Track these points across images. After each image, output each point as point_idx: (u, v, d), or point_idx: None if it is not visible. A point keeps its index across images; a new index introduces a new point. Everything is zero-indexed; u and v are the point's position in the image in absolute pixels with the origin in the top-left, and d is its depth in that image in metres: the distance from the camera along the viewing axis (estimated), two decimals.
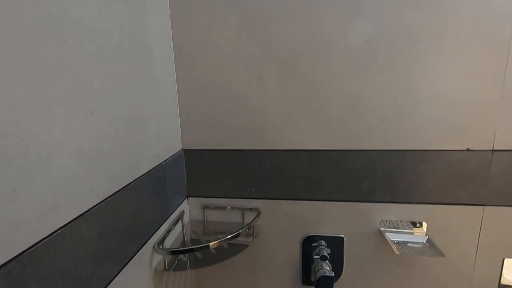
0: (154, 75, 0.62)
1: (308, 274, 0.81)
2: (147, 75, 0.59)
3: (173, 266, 0.65)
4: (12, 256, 0.31)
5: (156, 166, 0.63)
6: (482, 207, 0.70)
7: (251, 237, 0.77)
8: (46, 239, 0.35)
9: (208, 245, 0.61)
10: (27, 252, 0.32)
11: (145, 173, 0.58)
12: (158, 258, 0.64)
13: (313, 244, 0.80)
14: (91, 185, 0.43)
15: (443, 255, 0.64)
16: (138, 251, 0.56)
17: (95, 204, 0.44)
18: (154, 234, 0.62)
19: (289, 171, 0.75)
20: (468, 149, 0.68)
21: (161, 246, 0.62)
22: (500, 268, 0.73)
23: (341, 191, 0.74)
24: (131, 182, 0.53)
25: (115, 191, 0.48)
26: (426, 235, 0.72)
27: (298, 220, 0.78)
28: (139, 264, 0.56)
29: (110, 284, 0.47)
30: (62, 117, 0.38)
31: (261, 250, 0.81)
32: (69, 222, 0.38)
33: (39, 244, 0.34)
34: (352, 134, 0.71)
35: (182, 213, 0.77)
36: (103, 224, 0.45)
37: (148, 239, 0.59)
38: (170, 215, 0.70)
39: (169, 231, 0.68)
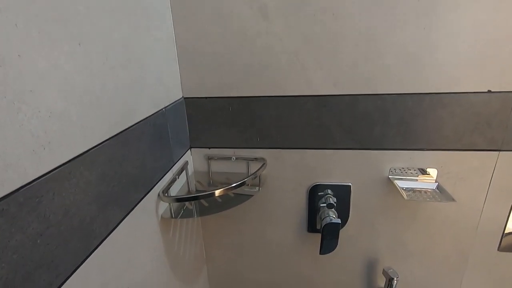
0: (146, 5, 0.56)
1: (314, 223, 0.82)
2: (138, 4, 0.53)
3: (180, 214, 0.64)
4: (4, 194, 0.28)
5: (156, 112, 0.59)
6: (497, 152, 0.67)
7: (257, 187, 0.76)
8: (42, 178, 0.32)
9: (214, 193, 0.59)
10: (21, 190, 0.30)
11: (144, 119, 0.55)
12: (164, 206, 0.63)
13: (319, 193, 0.79)
14: (85, 125, 0.39)
15: (453, 200, 0.63)
16: (143, 198, 0.54)
17: (92, 146, 0.41)
18: (159, 183, 0.60)
19: (296, 118, 0.71)
20: (489, 91, 0.63)
21: (166, 194, 0.61)
22: (508, 214, 0.73)
23: (351, 139, 0.71)
24: (130, 127, 0.50)
25: (113, 134, 0.45)
26: (436, 181, 0.71)
27: (305, 170, 0.76)
28: (145, 211, 0.55)
29: (117, 228, 0.46)
30: (44, 44, 0.33)
31: (267, 199, 0.81)
32: (65, 163, 0.36)
33: (34, 183, 0.31)
34: (365, 77, 0.66)
35: (186, 163, 0.75)
36: (104, 168, 0.43)
37: (153, 187, 0.58)
38: (174, 165, 0.68)
39: (173, 180, 0.67)
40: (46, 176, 0.33)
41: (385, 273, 0.79)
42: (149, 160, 0.56)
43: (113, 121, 0.45)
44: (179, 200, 0.59)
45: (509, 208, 0.72)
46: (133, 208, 0.51)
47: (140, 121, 0.53)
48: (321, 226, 0.73)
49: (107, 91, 0.44)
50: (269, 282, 0.93)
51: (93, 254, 0.41)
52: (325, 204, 0.76)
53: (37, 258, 0.32)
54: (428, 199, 0.65)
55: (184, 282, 0.76)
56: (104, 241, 0.43)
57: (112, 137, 0.45)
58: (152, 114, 0.58)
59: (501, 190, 0.70)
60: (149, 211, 0.57)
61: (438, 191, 0.69)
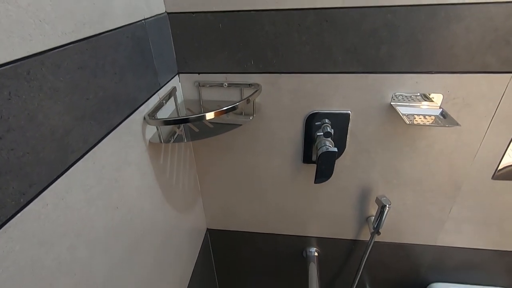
0: None
1: (310, 153, 0.80)
2: None
3: (169, 140, 0.61)
4: None
5: (134, 23, 0.52)
6: (509, 75, 0.62)
7: (251, 116, 0.71)
8: None
9: (204, 115, 0.55)
10: None
11: (119, 28, 0.47)
12: (151, 131, 0.59)
13: (316, 123, 0.75)
14: (43, 18, 0.33)
15: (458, 124, 0.60)
16: (127, 118, 0.50)
17: (54, 46, 0.34)
18: (144, 105, 0.56)
19: (294, 37, 0.64)
20: None
21: (153, 118, 0.56)
22: (508, 142, 0.71)
23: (355, 60, 0.65)
24: (102, 33, 0.43)
25: (80, 37, 0.39)
26: (440, 108, 0.67)
27: (302, 96, 0.71)
28: (130, 132, 0.51)
29: (99, 145, 0.42)
30: None
31: (261, 128, 0.77)
32: (19, 60, 0.30)
33: None
34: None
35: (174, 89, 0.69)
36: (74, 75, 0.37)
37: (137, 108, 0.53)
38: (160, 89, 0.63)
39: (160, 106, 0.62)
40: None
41: (378, 201, 0.81)
42: (130, 76, 0.50)
43: (79, 21, 0.38)
44: (167, 122, 0.55)
45: (510, 138, 0.70)
46: (116, 127, 0.47)
47: (115, 29, 0.46)
48: (317, 156, 0.71)
49: None
50: (264, 213, 0.95)
51: (73, 168, 0.38)
52: (322, 134, 0.73)
53: (0, 162, 0.28)
54: (430, 124, 0.62)
55: (180, 212, 0.77)
56: (85, 156, 0.40)
57: (80, 40, 0.38)
58: (129, 24, 0.50)
59: (506, 118, 0.67)
60: (135, 133, 0.53)
61: (441, 116, 0.65)
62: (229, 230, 1.02)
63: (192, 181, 0.85)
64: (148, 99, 0.57)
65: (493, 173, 0.75)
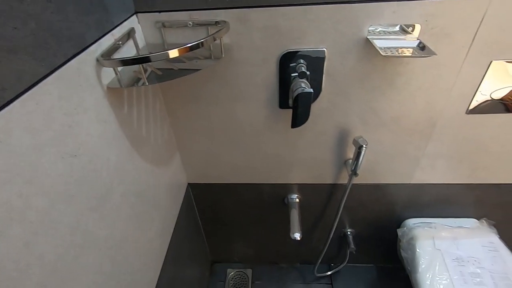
0: None
1: (286, 98, 0.77)
2: None
3: (131, 84, 0.56)
4: None
5: None
6: None
7: (220, 58, 0.66)
8: None
9: (167, 53, 0.50)
10: None
11: None
12: (109, 75, 0.54)
13: (291, 64, 0.71)
14: None
15: (435, 53, 0.58)
16: (74, 57, 0.44)
17: None
18: (95, 45, 0.50)
19: None
20: None
21: (107, 59, 0.51)
22: (484, 74, 0.70)
23: None
24: None
25: None
26: (418, 39, 0.64)
27: (274, 34, 0.66)
28: (80, 74, 0.46)
29: (39, 85, 0.38)
30: None
31: (233, 72, 0.73)
32: None
33: None
34: None
35: (133, 31, 0.62)
36: None
37: (86, 48, 0.47)
38: (114, 28, 0.56)
39: (116, 47, 0.56)
40: None
41: (355, 142, 0.80)
42: (71, 9, 0.44)
43: None
44: (124, 62, 0.49)
45: (486, 68, 0.69)
46: (60, 67, 0.41)
47: None
48: (292, 99, 0.68)
49: None
50: (245, 164, 0.94)
51: (9, 107, 0.33)
52: (296, 74, 0.70)
53: None
54: (406, 55, 0.60)
55: (155, 165, 0.74)
56: (23, 96, 0.35)
57: None
58: None
59: (483, 46, 0.65)
60: (88, 76, 0.48)
61: (419, 48, 0.63)
62: (211, 183, 1.02)
63: (166, 134, 0.81)
64: (100, 38, 0.51)
65: (467, 107, 0.76)
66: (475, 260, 0.88)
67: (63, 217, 0.42)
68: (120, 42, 0.57)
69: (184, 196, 0.98)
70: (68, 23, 0.43)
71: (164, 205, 0.81)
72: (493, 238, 0.94)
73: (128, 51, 0.61)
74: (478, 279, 0.84)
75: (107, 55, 0.52)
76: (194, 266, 1.13)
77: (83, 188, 0.46)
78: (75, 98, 0.45)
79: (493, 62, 0.68)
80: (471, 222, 1.01)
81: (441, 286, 0.83)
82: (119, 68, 0.56)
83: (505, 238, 0.95)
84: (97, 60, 0.50)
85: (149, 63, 0.61)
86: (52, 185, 0.40)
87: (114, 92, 0.55)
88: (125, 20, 0.60)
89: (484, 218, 1.01)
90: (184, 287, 0.99)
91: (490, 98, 0.74)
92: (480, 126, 0.79)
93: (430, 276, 0.86)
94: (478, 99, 0.74)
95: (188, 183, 1.02)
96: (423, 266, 0.89)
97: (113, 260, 0.55)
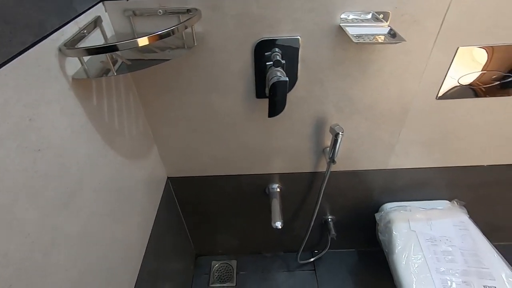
0: None
1: (263, 87, 0.77)
2: None
3: (99, 74, 0.54)
4: None
5: None
6: None
7: (192, 47, 0.64)
8: None
9: (136, 41, 0.48)
10: None
11: None
12: (75, 66, 0.52)
13: (266, 53, 0.71)
14: None
15: (404, 40, 0.59)
16: (32, 46, 0.42)
17: None
18: (56, 34, 0.47)
19: None
20: None
21: (71, 48, 0.48)
22: (451, 60, 0.72)
23: None
24: None
25: None
26: (388, 26, 0.65)
27: (248, 21, 0.65)
28: (39, 64, 0.43)
29: None
30: None
31: (208, 62, 0.71)
32: None
33: None
34: None
35: (99, 19, 0.60)
36: None
37: (46, 36, 0.45)
38: (78, 16, 0.53)
39: (82, 36, 0.53)
40: None
41: (331, 129, 0.82)
42: None
43: None
44: (90, 51, 0.47)
45: (453, 54, 0.71)
46: (16, 56, 0.39)
47: None
48: (268, 87, 0.68)
49: None
50: (225, 155, 0.93)
51: None
52: (272, 63, 0.69)
53: None
54: (377, 42, 0.60)
55: (130, 159, 0.72)
56: None
57: None
58: None
59: (450, 33, 0.67)
60: (50, 66, 0.45)
61: (389, 35, 0.64)
62: (191, 176, 1.01)
63: (141, 126, 0.79)
64: (62, 27, 0.49)
65: (437, 93, 0.78)
66: (447, 239, 0.93)
67: (28, 214, 0.40)
68: (85, 31, 0.54)
69: (164, 190, 0.97)
70: (24, 9, 0.41)
71: (142, 200, 0.79)
72: (463, 218, 0.99)
73: (95, 40, 0.59)
74: (449, 257, 0.88)
75: (71, 44, 0.50)
76: (177, 260, 1.13)
77: (50, 184, 0.44)
78: (36, 89, 0.42)
79: (460, 48, 0.70)
80: (444, 203, 1.06)
81: (416, 265, 0.87)
82: (86, 59, 0.54)
83: (474, 217, 1.01)
84: (60, 49, 0.48)
85: (118, 52, 0.59)
86: (13, 181, 0.38)
87: (81, 83, 0.53)
88: (90, 7, 0.57)
89: (455, 199, 1.06)
90: (167, 281, 0.98)
91: (458, 84, 0.77)
92: (450, 111, 0.82)
93: (406, 257, 0.90)
94: (447, 85, 0.77)
95: (168, 177, 1.01)
96: (399, 248, 0.93)
97: (87, 256, 0.53)
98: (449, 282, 0.82)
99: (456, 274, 0.84)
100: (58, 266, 0.46)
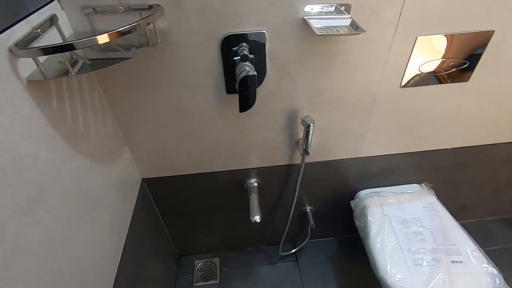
0: None
1: (232, 83, 0.77)
2: None
3: (57, 75, 0.51)
4: None
5: None
6: None
7: (156, 44, 0.63)
8: None
9: (96, 39, 0.46)
10: None
11: None
12: (30, 67, 0.49)
13: (233, 48, 0.71)
14: None
15: (365, 31, 0.61)
16: None
17: None
18: (5, 34, 0.45)
19: None
20: None
21: (23, 48, 0.46)
22: (411, 49, 0.75)
23: None
24: None
25: None
26: (350, 18, 0.67)
27: (211, 17, 0.65)
28: None
29: None
30: None
31: (174, 59, 0.70)
32: None
33: None
34: None
35: (55, 17, 0.57)
36: None
37: None
38: (30, 15, 0.51)
39: (35, 36, 0.51)
40: None
41: (303, 121, 0.83)
42: None
43: None
44: (45, 51, 0.45)
45: (413, 44, 0.74)
46: None
47: None
48: (238, 83, 0.68)
49: None
50: (200, 153, 0.93)
51: None
52: (239, 57, 0.70)
53: None
54: (339, 32, 0.62)
55: (99, 162, 0.70)
56: None
57: None
58: None
59: (409, 23, 0.70)
60: None
61: (351, 27, 0.65)
62: (167, 176, 0.99)
63: (109, 127, 0.77)
64: (11, 26, 0.46)
65: (400, 82, 0.81)
66: (417, 221, 0.97)
67: None
68: (39, 30, 0.52)
69: (139, 191, 0.95)
70: None
71: (115, 203, 0.77)
72: (432, 199, 1.04)
73: (52, 40, 0.56)
74: (420, 237, 0.93)
75: (23, 44, 0.48)
76: (158, 262, 1.11)
77: (7, 191, 0.42)
78: None
79: (419, 37, 0.73)
80: (413, 187, 1.11)
81: (390, 248, 0.91)
82: (42, 59, 0.52)
83: (441, 198, 1.06)
84: (10, 50, 0.45)
85: (78, 52, 0.57)
86: None
87: (37, 85, 0.51)
88: (43, 5, 0.55)
89: (424, 182, 1.11)
90: (148, 284, 0.97)
91: (419, 72, 0.80)
92: (413, 98, 0.86)
93: (380, 240, 0.93)
94: (410, 73, 0.80)
95: (143, 178, 0.99)
96: (374, 232, 0.96)
97: (55, 264, 0.52)
98: (420, 261, 0.87)
99: (427, 252, 0.89)
100: (24, 275, 0.44)
